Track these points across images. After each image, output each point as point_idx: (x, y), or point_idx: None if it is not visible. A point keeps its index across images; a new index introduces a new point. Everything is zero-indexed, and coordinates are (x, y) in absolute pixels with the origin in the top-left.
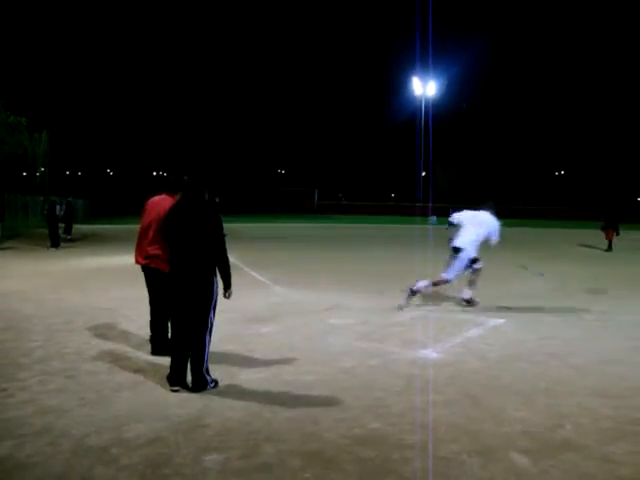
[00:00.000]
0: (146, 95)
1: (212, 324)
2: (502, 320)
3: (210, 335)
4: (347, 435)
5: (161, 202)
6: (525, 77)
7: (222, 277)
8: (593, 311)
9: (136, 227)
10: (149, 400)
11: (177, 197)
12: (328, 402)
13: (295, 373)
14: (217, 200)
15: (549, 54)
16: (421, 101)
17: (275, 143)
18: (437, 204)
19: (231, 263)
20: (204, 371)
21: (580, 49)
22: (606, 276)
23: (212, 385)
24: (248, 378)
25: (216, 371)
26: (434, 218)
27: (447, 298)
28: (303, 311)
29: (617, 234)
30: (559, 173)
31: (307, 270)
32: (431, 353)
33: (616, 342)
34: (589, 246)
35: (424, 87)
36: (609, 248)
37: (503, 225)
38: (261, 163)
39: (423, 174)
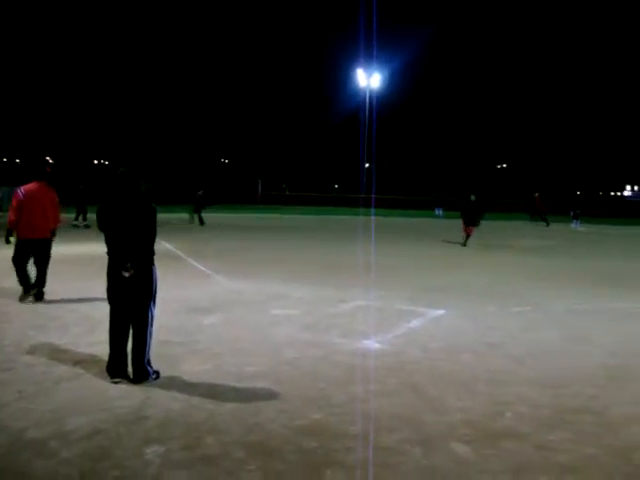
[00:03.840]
0: (85, 79)
1: (153, 316)
2: (443, 311)
3: (152, 327)
4: (290, 426)
5: (40, 189)
6: (469, 69)
7: (132, 255)
8: (531, 302)
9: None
10: (90, 392)
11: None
12: (271, 393)
13: (238, 364)
14: (150, 186)
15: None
16: (365, 93)
17: (218, 132)
18: (380, 196)
19: (171, 253)
20: (145, 362)
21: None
22: (544, 267)
23: (154, 377)
24: (190, 369)
25: (157, 362)
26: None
27: (390, 289)
28: (246, 302)
29: (477, 226)
30: (501, 166)
31: (250, 260)
32: (373, 344)
33: (553, 332)
34: (529, 237)
35: (368, 79)
36: (464, 243)
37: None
38: (204, 152)
39: (366, 165)
